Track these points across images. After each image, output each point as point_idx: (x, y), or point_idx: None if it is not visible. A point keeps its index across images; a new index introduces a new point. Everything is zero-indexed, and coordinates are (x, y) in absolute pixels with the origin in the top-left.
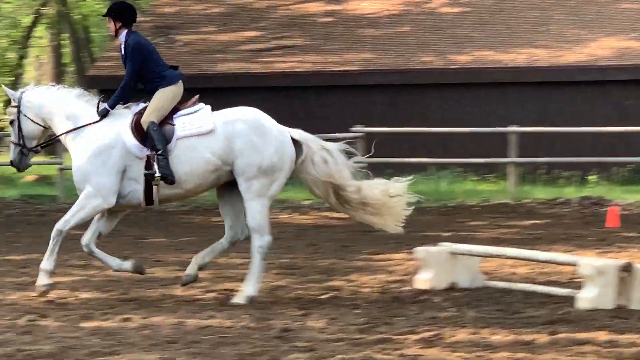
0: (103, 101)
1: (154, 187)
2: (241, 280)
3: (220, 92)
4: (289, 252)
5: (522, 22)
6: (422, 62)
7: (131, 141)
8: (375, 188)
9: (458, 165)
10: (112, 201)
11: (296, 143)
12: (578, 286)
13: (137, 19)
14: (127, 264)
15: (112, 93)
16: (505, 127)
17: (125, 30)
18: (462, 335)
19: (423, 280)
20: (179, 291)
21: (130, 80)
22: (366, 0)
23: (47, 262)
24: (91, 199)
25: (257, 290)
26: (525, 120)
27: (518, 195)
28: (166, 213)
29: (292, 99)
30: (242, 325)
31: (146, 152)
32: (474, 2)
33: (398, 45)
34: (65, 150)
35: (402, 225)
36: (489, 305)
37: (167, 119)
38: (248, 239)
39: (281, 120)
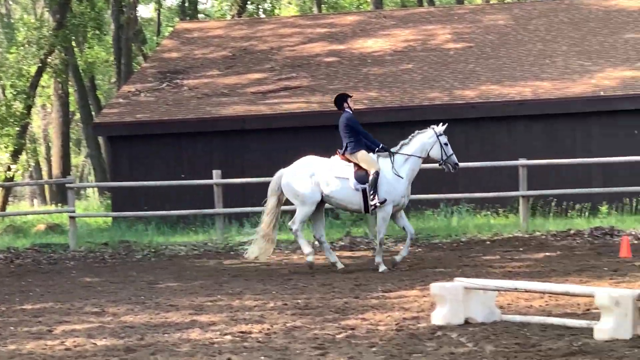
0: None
1: None
2: (256, 321)
3: (228, 134)
4: (304, 292)
5: (526, 55)
6: (428, 99)
7: None
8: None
9: (469, 200)
10: None
11: None
12: (594, 317)
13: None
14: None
15: (118, 139)
16: (514, 160)
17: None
18: None
19: (439, 316)
20: (195, 335)
21: None
22: (370, 39)
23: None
24: None
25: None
26: (533, 153)
27: (529, 228)
28: (178, 257)
29: (299, 139)
30: None
31: None
32: (478, 37)
33: (404, 82)
34: (77, 198)
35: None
36: (507, 339)
37: None
38: None
39: (289, 161)
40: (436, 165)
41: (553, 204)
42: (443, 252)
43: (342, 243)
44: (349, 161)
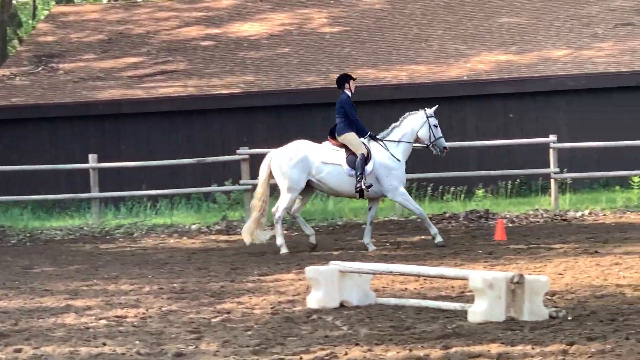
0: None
1: None
2: (131, 306)
3: (104, 118)
4: (180, 276)
5: (402, 39)
6: (304, 82)
7: None
8: None
9: None
10: None
11: None
12: (469, 300)
13: (20, 50)
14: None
15: None
16: None
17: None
18: (356, 352)
19: (314, 300)
20: (69, 319)
21: None
22: (246, 23)
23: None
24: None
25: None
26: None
27: (405, 212)
28: (54, 242)
29: (176, 123)
30: (135, 351)
31: None
32: (354, 22)
33: (280, 66)
34: None
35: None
36: (381, 322)
37: None
38: None
39: (166, 145)
40: None
41: (429, 187)
42: (319, 236)
43: (219, 227)
44: (340, 146)
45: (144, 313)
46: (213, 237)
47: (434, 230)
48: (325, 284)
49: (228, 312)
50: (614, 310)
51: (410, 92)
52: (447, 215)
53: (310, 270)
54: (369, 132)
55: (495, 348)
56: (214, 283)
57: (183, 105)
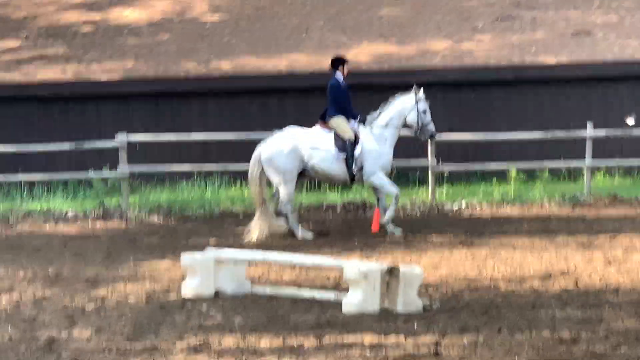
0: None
1: None
2: (5, 292)
3: None
4: (55, 262)
5: (282, 28)
6: (183, 70)
7: None
8: None
9: (223, 172)
10: None
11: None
12: (344, 290)
13: None
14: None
15: None
16: (267, 133)
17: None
18: (230, 341)
19: (189, 288)
20: None
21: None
22: (127, 9)
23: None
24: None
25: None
26: (286, 125)
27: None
28: None
29: (53, 109)
30: (7, 337)
31: None
32: (234, 10)
33: (159, 54)
34: None
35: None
36: (256, 311)
37: None
38: None
39: (43, 130)
40: (194, 137)
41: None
42: (196, 224)
43: (95, 213)
44: (330, 130)
45: (17, 300)
46: (89, 223)
47: (390, 213)
48: (201, 272)
49: (102, 299)
50: (487, 303)
51: (290, 82)
52: (324, 206)
53: (186, 258)
54: (360, 117)
55: (369, 338)
56: (89, 270)
57: (61, 91)
